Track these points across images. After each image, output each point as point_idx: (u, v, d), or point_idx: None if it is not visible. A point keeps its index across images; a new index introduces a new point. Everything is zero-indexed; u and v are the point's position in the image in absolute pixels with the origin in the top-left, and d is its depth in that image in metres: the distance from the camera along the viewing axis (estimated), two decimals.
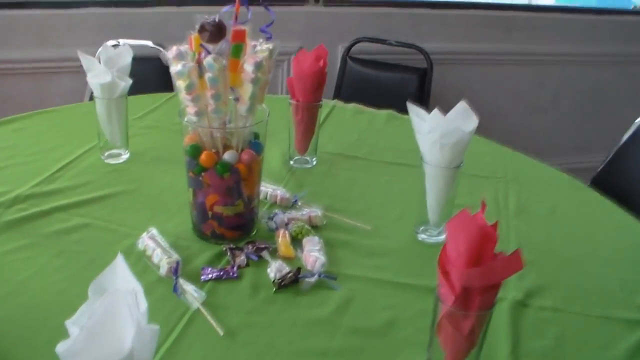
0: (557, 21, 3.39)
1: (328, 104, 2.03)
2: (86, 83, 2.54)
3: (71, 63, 2.63)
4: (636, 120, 1.97)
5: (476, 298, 0.79)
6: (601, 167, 2.03)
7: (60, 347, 0.62)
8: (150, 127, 1.81)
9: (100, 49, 1.52)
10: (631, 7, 3.63)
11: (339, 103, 2.06)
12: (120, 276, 0.70)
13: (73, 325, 0.66)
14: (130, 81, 1.50)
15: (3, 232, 1.24)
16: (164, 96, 2.04)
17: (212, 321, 1.02)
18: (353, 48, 2.97)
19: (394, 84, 2.81)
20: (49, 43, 2.72)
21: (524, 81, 3.43)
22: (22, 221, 1.28)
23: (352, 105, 2.05)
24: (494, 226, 0.78)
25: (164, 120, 1.85)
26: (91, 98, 2.38)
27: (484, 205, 0.80)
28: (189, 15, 2.85)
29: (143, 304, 0.65)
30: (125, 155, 1.58)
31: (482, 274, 0.77)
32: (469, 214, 0.78)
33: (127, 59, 1.52)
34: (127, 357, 0.61)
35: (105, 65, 1.49)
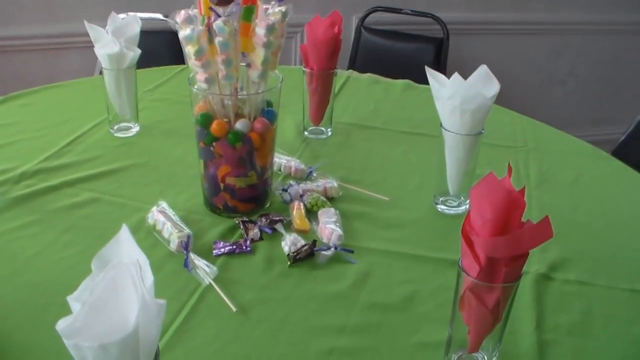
0: None
1: (343, 74, 1.98)
2: (96, 58, 2.51)
3: (80, 38, 2.60)
4: None
5: (502, 269, 0.74)
6: (622, 139, 1.97)
7: (61, 325, 0.58)
8: (160, 100, 1.76)
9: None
10: None
11: (354, 73, 2.01)
12: (124, 248, 0.66)
13: (75, 301, 0.62)
14: (138, 51, 1.46)
15: (10, 209, 1.21)
16: (174, 69, 2.00)
17: (224, 297, 0.98)
18: (367, 18, 2.91)
19: (410, 54, 2.75)
20: (57, 18, 2.68)
21: (541, 51, 3.36)
22: (29, 197, 1.25)
23: (368, 75, 1.99)
24: (522, 192, 0.73)
25: (175, 92, 1.81)
26: (101, 73, 2.35)
27: (510, 170, 0.75)
28: None
29: (149, 277, 0.60)
30: (135, 129, 1.55)
31: (508, 243, 0.72)
32: (496, 178, 0.73)
33: (135, 29, 1.48)
34: (132, 334, 0.57)
35: (113, 36, 1.45)
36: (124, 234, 0.67)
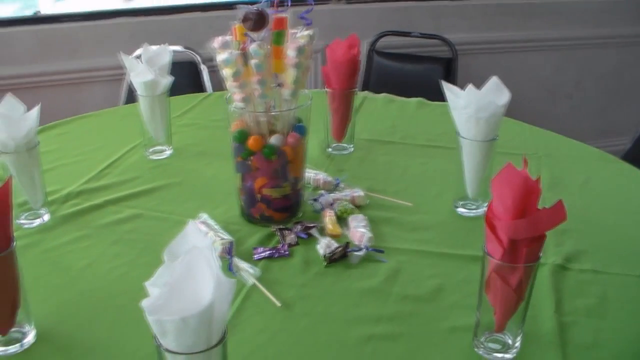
0: (575, 5, 3.39)
1: (359, 95, 2.07)
2: (119, 91, 2.62)
3: (103, 72, 2.73)
4: None
5: (523, 250, 0.84)
6: (630, 146, 2.06)
7: (145, 303, 0.67)
8: (189, 125, 1.86)
9: (140, 50, 1.57)
10: None
11: (369, 94, 2.11)
12: (192, 240, 0.75)
13: (152, 286, 0.71)
14: (171, 78, 1.56)
15: (60, 225, 1.31)
16: (198, 96, 2.11)
17: (268, 294, 1.07)
18: (378, 43, 3.02)
19: (420, 75, 2.85)
20: (81, 54, 2.80)
21: (546, 67, 3.45)
22: (76, 215, 1.35)
23: (383, 95, 2.09)
24: (538, 181, 0.83)
25: (202, 117, 1.91)
26: (127, 103, 2.44)
27: (525, 162, 0.85)
28: (215, 19, 2.93)
29: (218, 261, 0.70)
30: (169, 151, 1.64)
31: (528, 225, 0.81)
32: (514, 168, 0.82)
33: (166, 58, 1.58)
34: (208, 309, 0.66)
35: (147, 64, 1.54)
36: (192, 227, 0.76)
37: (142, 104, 1.57)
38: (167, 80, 1.56)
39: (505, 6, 3.27)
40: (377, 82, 2.95)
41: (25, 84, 2.75)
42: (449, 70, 2.86)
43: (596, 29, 3.41)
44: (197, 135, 1.78)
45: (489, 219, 0.85)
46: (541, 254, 0.87)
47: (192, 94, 2.12)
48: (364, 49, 3.05)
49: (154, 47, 1.59)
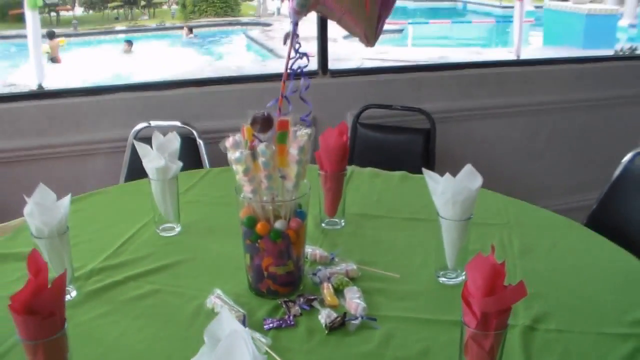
0: (544, 73, 3.65)
1: (347, 169, 2.24)
2: (120, 163, 2.78)
3: (104, 145, 2.89)
4: (623, 159, 2.22)
5: (493, 321, 1.04)
6: (595, 206, 2.26)
7: None
8: (193, 202, 2.02)
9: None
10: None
11: (356, 168, 2.29)
12: (227, 323, 0.93)
13: None
14: (180, 164, 1.74)
15: (88, 301, 1.46)
16: (199, 172, 2.29)
17: None
18: (362, 114, 3.19)
19: (402, 144, 3.03)
20: (83, 127, 2.96)
21: (519, 130, 3.65)
22: (101, 290, 1.50)
23: (368, 170, 2.28)
24: (503, 264, 1.02)
25: (205, 194, 2.08)
26: (127, 179, 2.60)
27: (493, 249, 1.05)
28: (210, 94, 3.09)
29: (252, 342, 0.88)
30: (178, 228, 1.81)
31: (496, 301, 1.02)
32: (483, 256, 1.02)
33: (175, 144, 1.76)
34: None
35: (158, 151, 1.72)
36: (225, 314, 0.94)
37: (154, 187, 1.74)
38: (177, 165, 1.73)
39: (480, 76, 3.51)
40: (362, 151, 3.12)
41: (30, 155, 2.93)
42: (428, 139, 3.05)
43: (563, 94, 3.64)
44: (202, 212, 1.94)
45: (464, 296, 1.05)
46: (508, 323, 1.05)
47: (193, 171, 2.29)
48: (348, 119, 3.23)
49: (163, 131, 1.75)
